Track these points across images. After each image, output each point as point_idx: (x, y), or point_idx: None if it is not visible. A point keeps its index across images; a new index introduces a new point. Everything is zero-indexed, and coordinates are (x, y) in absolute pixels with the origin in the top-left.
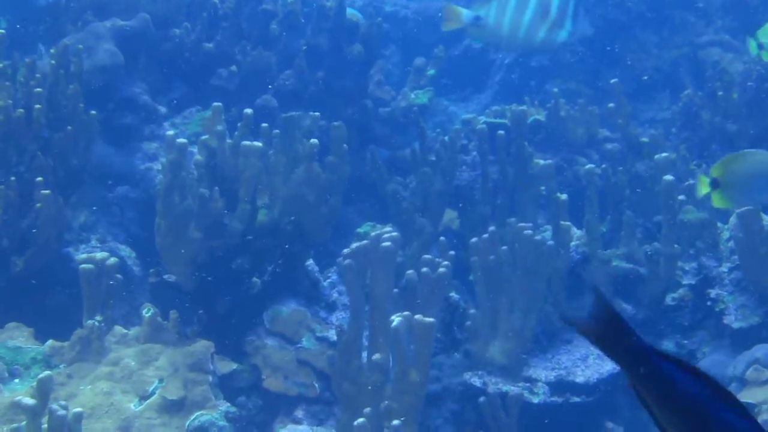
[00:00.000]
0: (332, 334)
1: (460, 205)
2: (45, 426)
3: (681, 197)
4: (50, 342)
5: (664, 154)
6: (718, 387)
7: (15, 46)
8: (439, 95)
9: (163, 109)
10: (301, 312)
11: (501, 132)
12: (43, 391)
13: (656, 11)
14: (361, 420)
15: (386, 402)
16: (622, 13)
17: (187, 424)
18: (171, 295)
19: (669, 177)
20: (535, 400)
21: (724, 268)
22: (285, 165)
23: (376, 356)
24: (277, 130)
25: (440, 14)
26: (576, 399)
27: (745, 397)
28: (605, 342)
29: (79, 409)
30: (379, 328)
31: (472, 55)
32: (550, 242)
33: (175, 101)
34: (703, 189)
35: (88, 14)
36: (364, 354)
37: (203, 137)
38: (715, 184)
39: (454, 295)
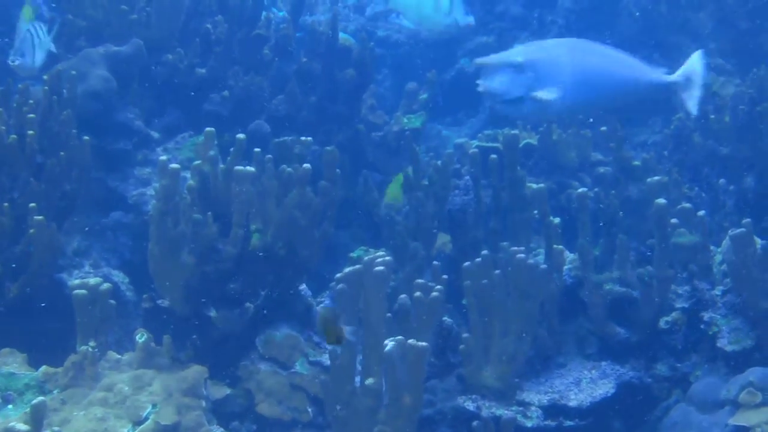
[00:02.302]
0: (326, 359)
1: (453, 229)
2: None
3: (674, 220)
4: (44, 368)
5: (656, 178)
6: None
7: (8, 72)
8: (431, 119)
9: (155, 134)
10: (295, 336)
11: (493, 156)
12: (37, 417)
13: (648, 34)
14: None
15: (379, 426)
16: (615, 36)
17: None
18: (164, 320)
19: (661, 200)
20: (529, 423)
21: (717, 291)
22: (278, 189)
23: (369, 381)
24: (270, 155)
25: None
26: (569, 423)
27: (739, 420)
28: None
29: None
30: (372, 353)
31: (465, 79)
32: (543, 266)
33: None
34: None
35: (81, 40)
36: (358, 378)
37: (196, 162)
38: None
39: (447, 319)
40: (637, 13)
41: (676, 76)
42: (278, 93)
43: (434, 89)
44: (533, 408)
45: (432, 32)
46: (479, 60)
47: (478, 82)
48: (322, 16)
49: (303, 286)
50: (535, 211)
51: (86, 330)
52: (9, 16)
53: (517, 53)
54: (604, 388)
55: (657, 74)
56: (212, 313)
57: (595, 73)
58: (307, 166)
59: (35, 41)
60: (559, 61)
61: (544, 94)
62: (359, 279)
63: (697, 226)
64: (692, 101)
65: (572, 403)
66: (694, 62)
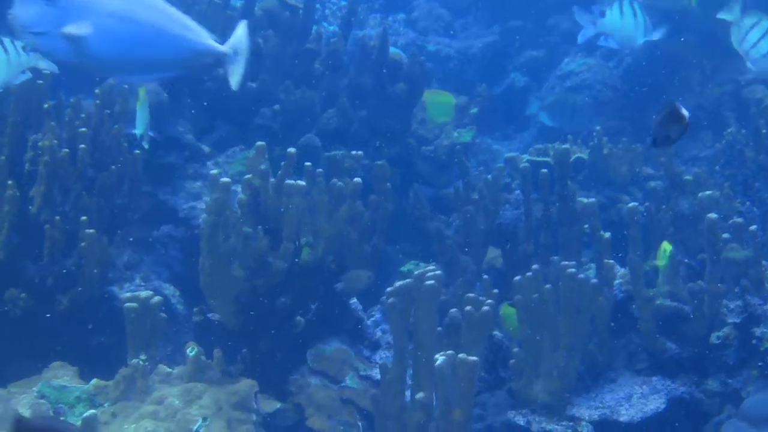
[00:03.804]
0: (376, 373)
1: (503, 243)
2: None
3: (725, 235)
4: (95, 381)
5: (707, 192)
6: None
7: (61, 86)
8: (482, 133)
9: (206, 148)
10: (345, 351)
11: (544, 170)
12: (88, 430)
13: (700, 49)
14: None
15: None
16: (664, 51)
17: None
18: (215, 334)
19: (713, 215)
20: None
21: None
22: (328, 203)
23: (420, 395)
24: (321, 169)
25: None
26: None
27: None
28: None
29: None
30: (422, 367)
31: (515, 94)
32: (594, 280)
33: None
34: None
35: None
36: (408, 393)
37: (247, 176)
38: None
39: (497, 333)
40: None
41: (225, 46)
42: (329, 107)
43: (484, 103)
44: (584, 423)
45: (631, 49)
46: None
47: (9, 11)
48: (372, 31)
49: (354, 300)
50: (586, 226)
51: (137, 343)
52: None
53: None
54: (655, 404)
55: (208, 41)
56: (262, 326)
57: (136, 21)
58: (357, 180)
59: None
60: (98, 1)
61: (74, 29)
62: (410, 293)
63: (748, 240)
64: (236, 76)
65: (623, 419)
66: (240, 34)
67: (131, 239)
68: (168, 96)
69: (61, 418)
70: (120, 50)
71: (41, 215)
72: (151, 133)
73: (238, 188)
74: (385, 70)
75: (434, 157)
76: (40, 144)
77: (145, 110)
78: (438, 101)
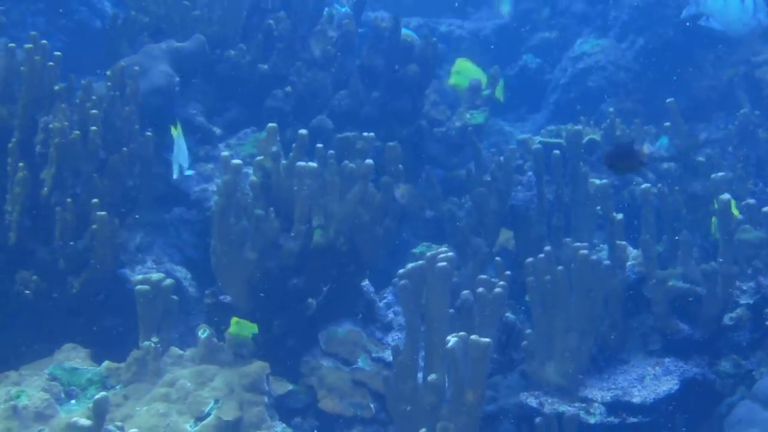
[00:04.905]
0: (388, 355)
1: (516, 225)
2: None
3: (738, 216)
4: (106, 363)
5: (720, 174)
6: None
7: (71, 68)
8: (494, 115)
9: (218, 130)
10: (357, 332)
11: (556, 152)
12: (99, 413)
13: (712, 29)
14: None
15: (442, 422)
16: (677, 31)
17: None
18: (227, 316)
19: (726, 196)
20: (592, 420)
21: None
22: (340, 185)
23: (432, 377)
24: (332, 151)
25: None
26: (632, 419)
27: None
28: None
29: (135, 430)
30: (434, 349)
31: (528, 75)
32: (606, 262)
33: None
34: None
35: (143, 36)
36: (420, 374)
37: (258, 158)
38: None
39: (510, 315)
40: None
41: None
42: (341, 89)
43: (497, 85)
44: (596, 404)
45: (737, 33)
46: None
47: None
48: (384, 12)
49: (365, 282)
50: (598, 207)
51: (148, 326)
52: None
53: None
54: (668, 385)
55: None
56: (274, 309)
57: None
58: (369, 161)
59: None
60: None
61: None
62: (422, 275)
63: (762, 221)
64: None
65: (636, 400)
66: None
67: (143, 222)
68: (180, 78)
69: (72, 401)
70: None
71: (52, 197)
72: (188, 172)
73: (250, 170)
74: (397, 52)
75: (446, 139)
76: (51, 126)
77: (182, 143)
78: (467, 67)
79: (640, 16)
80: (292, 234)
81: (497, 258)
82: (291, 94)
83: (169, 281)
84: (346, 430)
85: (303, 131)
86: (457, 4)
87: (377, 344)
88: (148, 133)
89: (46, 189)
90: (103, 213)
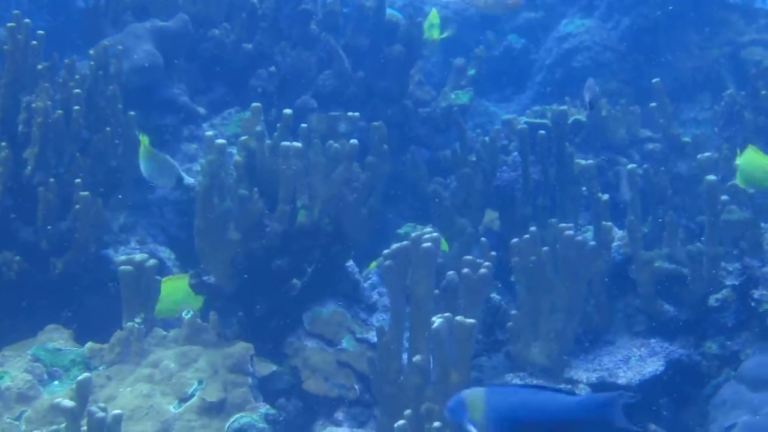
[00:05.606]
0: (372, 336)
1: (501, 205)
2: (84, 428)
3: (724, 197)
4: (90, 344)
5: (706, 154)
6: None
7: (54, 47)
8: (479, 95)
9: (202, 110)
10: (341, 313)
11: (542, 132)
12: (83, 393)
13: (698, 10)
14: (401, 422)
15: (427, 404)
16: (663, 12)
17: (227, 426)
18: (210, 297)
19: (712, 177)
20: None
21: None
22: (324, 165)
23: (417, 358)
24: (307, 125)
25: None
26: None
27: None
28: None
29: (118, 411)
30: (419, 330)
31: (513, 56)
32: (592, 243)
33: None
34: None
35: (127, 15)
36: (405, 356)
37: (242, 138)
38: None
39: (495, 296)
40: None
41: None
42: (325, 69)
43: (481, 65)
44: (582, 385)
45: None
46: None
47: None
48: None
49: (350, 263)
50: (584, 188)
51: (132, 306)
52: None
53: None
54: (654, 366)
55: None
56: (258, 289)
57: None
58: (354, 141)
59: None
60: None
61: None
62: (407, 255)
63: (747, 202)
64: None
65: (621, 381)
66: None
67: (126, 202)
68: (163, 58)
69: (55, 382)
70: None
71: (35, 177)
72: (187, 181)
73: (234, 150)
74: (381, 32)
75: (431, 119)
76: (33, 105)
77: (163, 157)
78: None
79: None
80: (277, 214)
81: (482, 238)
82: (275, 74)
83: (152, 261)
84: (331, 411)
85: (288, 111)
86: None
87: (362, 325)
88: (132, 113)
89: (29, 169)
90: (86, 193)
